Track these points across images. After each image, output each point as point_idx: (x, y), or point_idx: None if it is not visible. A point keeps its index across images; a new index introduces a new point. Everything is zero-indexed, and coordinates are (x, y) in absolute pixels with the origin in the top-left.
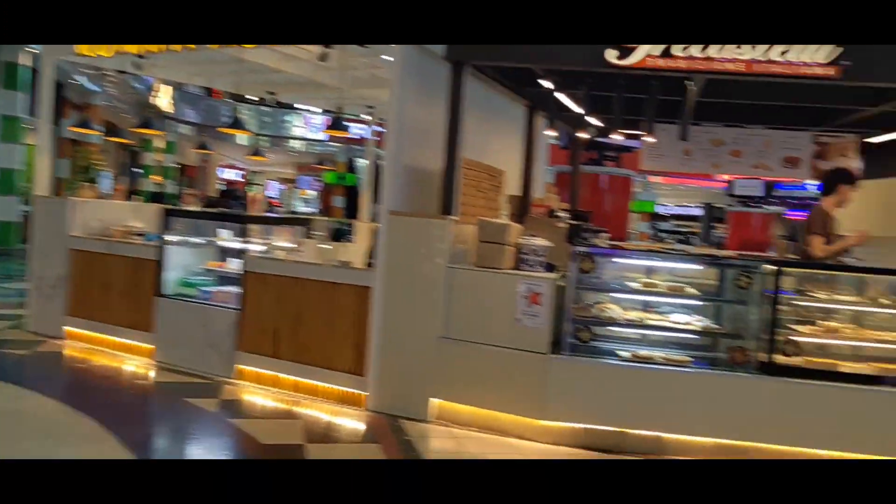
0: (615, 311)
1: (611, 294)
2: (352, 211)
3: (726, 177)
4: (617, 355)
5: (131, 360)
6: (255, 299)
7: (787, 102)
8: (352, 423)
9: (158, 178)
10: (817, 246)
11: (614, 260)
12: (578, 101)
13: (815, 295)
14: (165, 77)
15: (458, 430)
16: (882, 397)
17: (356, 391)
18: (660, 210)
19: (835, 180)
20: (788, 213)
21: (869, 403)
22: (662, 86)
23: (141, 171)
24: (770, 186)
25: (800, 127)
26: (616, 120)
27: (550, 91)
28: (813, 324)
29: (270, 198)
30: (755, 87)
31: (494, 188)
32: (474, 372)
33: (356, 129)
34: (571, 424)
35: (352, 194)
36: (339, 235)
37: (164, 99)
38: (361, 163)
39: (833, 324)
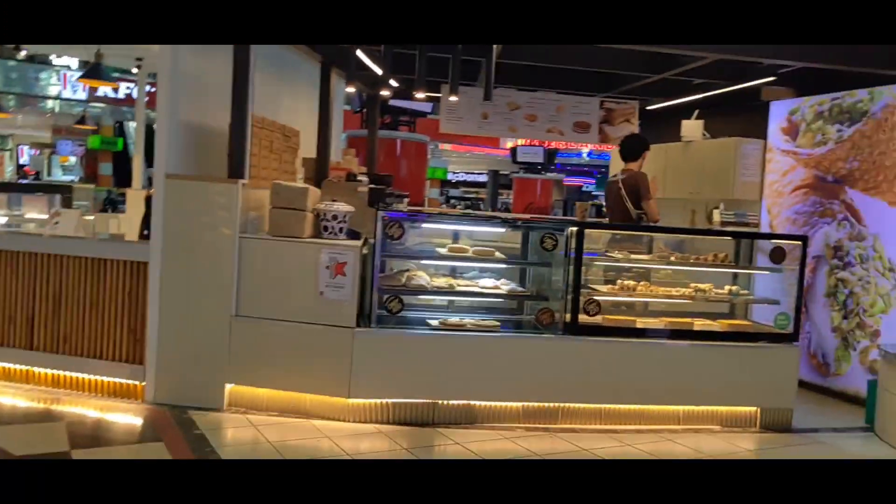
0: (423, 278)
1: (419, 261)
2: (122, 179)
3: (510, 144)
4: (427, 324)
5: None
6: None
7: (578, 67)
8: (129, 418)
9: None
10: (655, 210)
11: (422, 225)
12: (377, 60)
13: (613, 255)
14: None
15: (257, 417)
16: (678, 350)
17: (133, 382)
18: (450, 177)
19: (640, 147)
20: (567, 179)
21: (667, 357)
22: (464, 47)
23: None
24: (551, 154)
25: (589, 93)
26: (420, 80)
27: (347, 47)
28: (613, 283)
29: (23, 165)
30: (547, 51)
31: (289, 150)
32: (273, 352)
33: (124, 88)
34: (380, 400)
35: (121, 160)
36: (110, 206)
37: None
38: (132, 126)
39: (630, 282)
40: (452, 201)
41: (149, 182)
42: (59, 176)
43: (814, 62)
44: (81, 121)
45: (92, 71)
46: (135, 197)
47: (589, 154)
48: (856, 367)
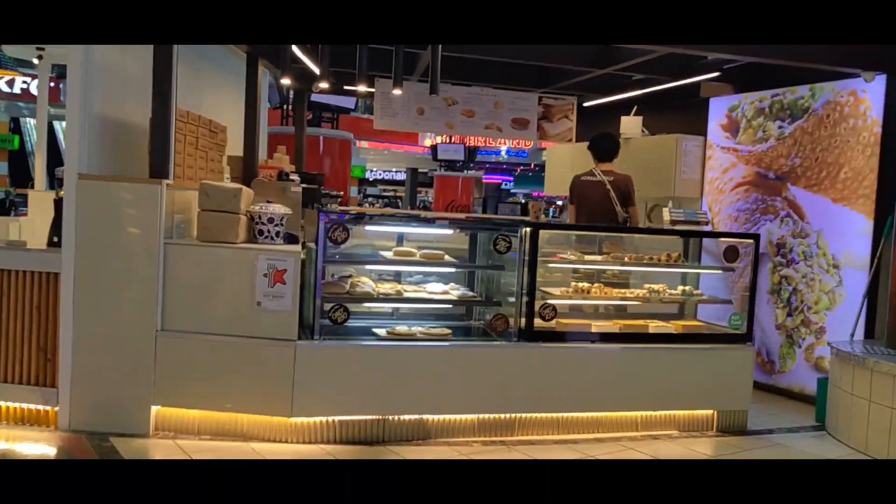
0: (369, 284)
1: (362, 266)
2: (20, 179)
3: (428, 142)
4: (374, 335)
5: None
6: None
7: (516, 60)
8: (40, 448)
9: None
10: (639, 215)
11: (366, 228)
12: (308, 53)
13: (566, 256)
14: None
15: (188, 442)
16: (635, 354)
17: (44, 407)
18: (367, 175)
19: (616, 147)
20: (486, 176)
21: (623, 361)
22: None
23: None
24: (472, 151)
25: (527, 88)
26: (361, 73)
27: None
28: (563, 286)
29: None
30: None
31: (216, 147)
32: (205, 370)
33: (20, 83)
34: (325, 419)
35: (17, 160)
36: (7, 209)
37: None
38: (31, 123)
39: (584, 284)
40: (370, 199)
41: (57, 183)
42: None
43: (758, 57)
44: None
45: None
46: (38, 199)
47: (507, 152)
48: (801, 365)
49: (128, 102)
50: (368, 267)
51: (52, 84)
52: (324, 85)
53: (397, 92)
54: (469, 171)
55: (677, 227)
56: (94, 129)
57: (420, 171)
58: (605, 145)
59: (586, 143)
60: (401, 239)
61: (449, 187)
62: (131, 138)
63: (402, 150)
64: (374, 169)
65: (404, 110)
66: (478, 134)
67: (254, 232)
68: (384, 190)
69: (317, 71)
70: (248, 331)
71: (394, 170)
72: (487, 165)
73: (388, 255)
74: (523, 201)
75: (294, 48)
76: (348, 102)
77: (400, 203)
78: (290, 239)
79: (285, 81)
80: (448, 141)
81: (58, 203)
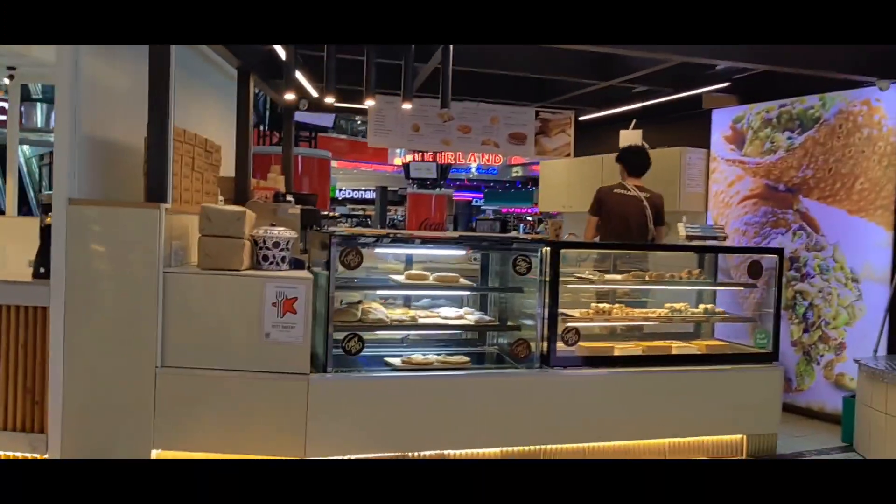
0: (381, 311)
1: (373, 291)
2: None
3: (398, 161)
4: (388, 364)
5: None
6: None
7: (516, 73)
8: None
9: None
10: (665, 234)
11: (376, 250)
12: (301, 67)
13: (586, 276)
14: None
15: None
16: (661, 378)
17: (33, 455)
18: (337, 194)
19: (649, 162)
20: (456, 194)
21: (649, 386)
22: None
23: None
24: (444, 169)
25: (523, 102)
26: (369, 88)
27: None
28: (581, 306)
29: None
30: (482, 55)
31: (211, 167)
32: (210, 409)
33: None
34: (341, 458)
35: None
36: None
37: None
38: None
39: (603, 304)
40: (341, 219)
41: (42, 209)
42: None
43: (772, 65)
44: None
45: None
46: (9, 225)
47: (478, 169)
48: (820, 382)
49: (117, 121)
50: (379, 292)
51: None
52: (329, 100)
53: (407, 106)
54: (440, 189)
55: (696, 243)
56: (83, 151)
57: (390, 189)
58: (639, 160)
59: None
60: (409, 261)
61: (422, 205)
62: (121, 159)
63: (372, 168)
64: (344, 188)
65: (399, 127)
66: (474, 150)
67: (258, 257)
68: (353, 209)
69: (308, 87)
70: (256, 365)
71: (363, 188)
72: (457, 183)
73: (400, 278)
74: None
75: (285, 60)
76: (326, 121)
77: (370, 222)
78: (296, 264)
79: (289, 96)
80: (420, 159)
81: (44, 230)
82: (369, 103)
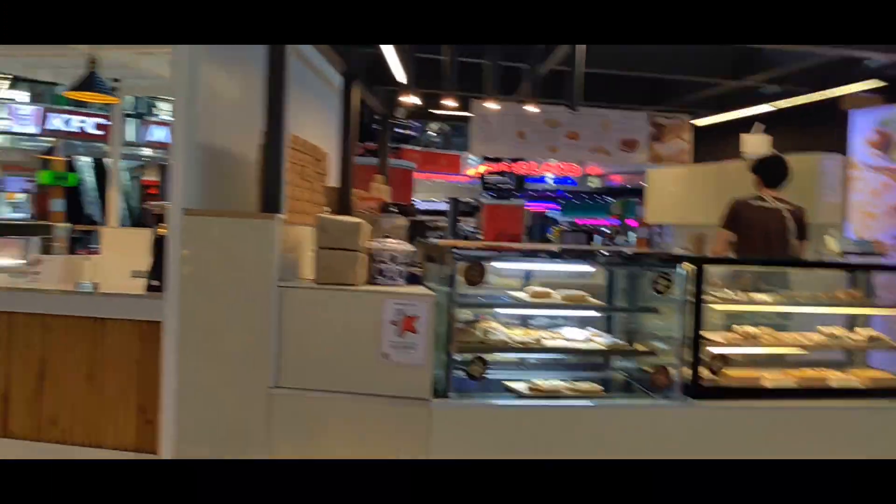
0: (501, 331)
1: (493, 310)
2: (74, 216)
3: (471, 171)
4: (508, 389)
5: None
6: None
7: (627, 73)
8: None
9: None
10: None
11: (495, 265)
12: (406, 68)
13: (735, 297)
14: None
15: None
16: (818, 414)
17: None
18: None
19: (787, 172)
20: (528, 204)
21: (805, 422)
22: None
23: None
24: (520, 179)
25: (633, 106)
26: (491, 89)
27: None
28: (722, 329)
29: None
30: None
31: (319, 176)
32: (323, 434)
33: (77, 122)
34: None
35: (73, 196)
36: (76, 246)
37: None
38: (84, 161)
39: (749, 328)
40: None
41: (153, 220)
42: (5, 213)
43: None
44: (50, 152)
45: (86, 83)
46: (111, 236)
47: (554, 179)
48: None
49: (226, 129)
50: (500, 310)
51: (107, 121)
52: (451, 103)
53: (534, 110)
54: (514, 200)
55: (852, 260)
56: (197, 161)
57: (461, 200)
58: (778, 170)
59: (700, 166)
60: (527, 277)
61: (498, 216)
62: (229, 168)
63: (443, 179)
64: (416, 200)
65: (503, 134)
66: (583, 158)
67: (373, 272)
68: (425, 221)
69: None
70: (374, 387)
71: (433, 199)
72: (533, 193)
73: (520, 295)
74: (575, 228)
75: (395, 62)
76: (415, 130)
77: (442, 234)
78: (414, 280)
79: (413, 98)
80: (497, 169)
81: (157, 242)
82: (492, 106)
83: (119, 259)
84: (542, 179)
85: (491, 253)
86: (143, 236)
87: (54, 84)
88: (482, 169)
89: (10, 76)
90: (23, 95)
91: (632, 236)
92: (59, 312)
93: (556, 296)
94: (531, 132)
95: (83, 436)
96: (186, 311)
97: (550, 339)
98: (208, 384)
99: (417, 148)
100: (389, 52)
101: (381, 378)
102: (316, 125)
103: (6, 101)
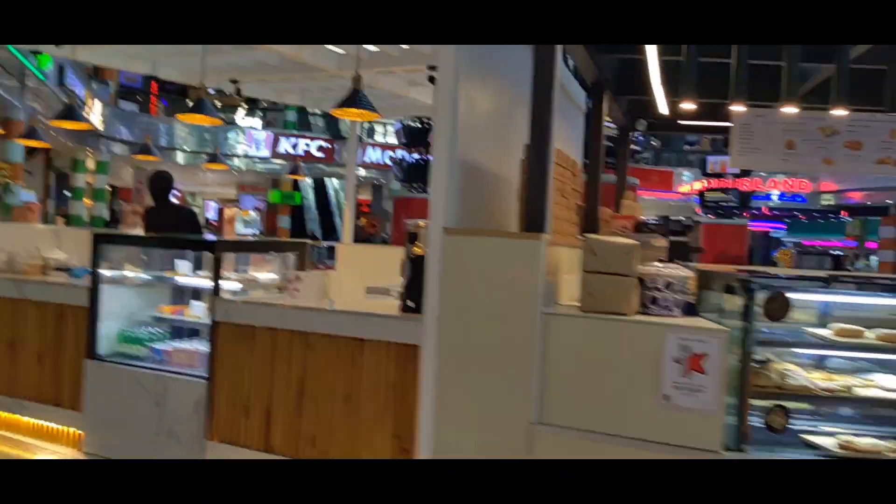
0: (799, 374)
1: (790, 350)
2: (297, 232)
3: (685, 188)
4: (809, 444)
5: (47, 450)
6: (233, 363)
7: None
8: None
9: (89, 202)
10: None
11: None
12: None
13: None
14: (94, 61)
15: None
16: None
17: None
18: None
19: None
20: (751, 223)
21: None
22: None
23: (70, 194)
24: (745, 196)
25: None
26: (755, 91)
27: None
28: None
29: (210, 220)
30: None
31: (575, 193)
32: None
33: (303, 145)
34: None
35: (297, 214)
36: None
37: (95, 115)
38: (307, 181)
39: None
40: None
41: (409, 238)
42: (239, 229)
43: None
44: (294, 171)
45: (349, 100)
46: (345, 252)
47: (780, 196)
48: None
49: (480, 144)
50: (797, 350)
51: (328, 145)
52: (690, 107)
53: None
54: (738, 219)
55: None
56: (456, 178)
57: (673, 218)
58: None
59: None
60: (826, 310)
61: (718, 236)
62: (487, 185)
63: (654, 196)
64: None
65: (768, 144)
66: (867, 172)
67: (645, 300)
68: None
69: (661, 104)
70: (651, 433)
71: (646, 218)
72: (755, 212)
73: (825, 333)
74: (822, 251)
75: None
76: (640, 145)
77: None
78: (689, 309)
79: (689, 105)
80: (717, 185)
81: (414, 262)
82: (738, 109)
83: (352, 275)
84: (767, 197)
85: (794, 282)
86: (375, 253)
87: (284, 109)
88: (697, 185)
89: (244, 104)
90: (255, 122)
91: (873, 260)
92: (320, 330)
93: (870, 335)
94: (802, 142)
95: (340, 456)
96: (445, 336)
97: (863, 388)
98: (466, 415)
99: (630, 164)
100: (651, 53)
101: (659, 423)
102: (562, 140)
103: (245, 127)
